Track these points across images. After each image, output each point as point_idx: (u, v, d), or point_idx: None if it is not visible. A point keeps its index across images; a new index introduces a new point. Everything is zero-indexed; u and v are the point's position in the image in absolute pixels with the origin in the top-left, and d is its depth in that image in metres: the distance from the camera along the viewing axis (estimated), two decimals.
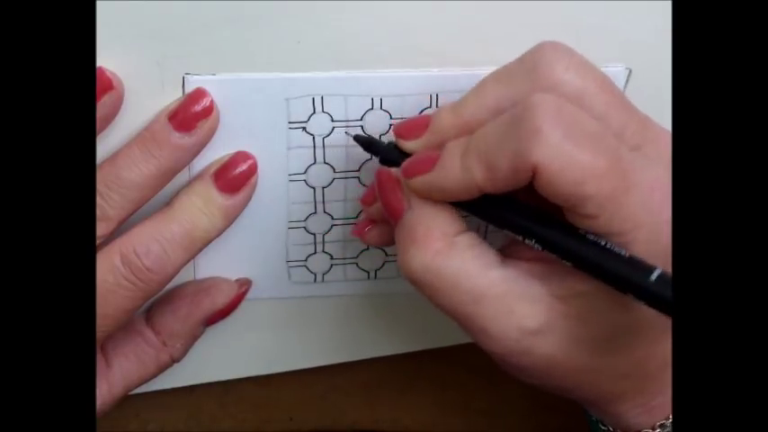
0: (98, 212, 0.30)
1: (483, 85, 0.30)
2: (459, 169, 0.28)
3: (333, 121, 0.33)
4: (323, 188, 0.35)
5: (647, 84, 0.36)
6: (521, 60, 0.29)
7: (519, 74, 0.29)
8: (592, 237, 0.27)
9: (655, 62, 0.36)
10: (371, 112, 0.34)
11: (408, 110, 0.34)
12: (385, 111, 0.34)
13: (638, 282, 0.26)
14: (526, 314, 0.28)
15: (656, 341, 0.30)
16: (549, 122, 0.26)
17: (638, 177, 0.27)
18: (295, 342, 0.39)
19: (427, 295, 0.29)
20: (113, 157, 0.31)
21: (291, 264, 0.37)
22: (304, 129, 0.33)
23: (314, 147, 0.34)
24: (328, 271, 0.37)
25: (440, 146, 0.29)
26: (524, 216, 0.28)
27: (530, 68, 0.29)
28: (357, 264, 0.38)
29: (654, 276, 0.26)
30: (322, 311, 0.39)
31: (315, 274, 0.37)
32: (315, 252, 0.37)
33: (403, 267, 0.29)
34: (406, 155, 0.30)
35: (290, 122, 0.33)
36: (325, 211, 0.35)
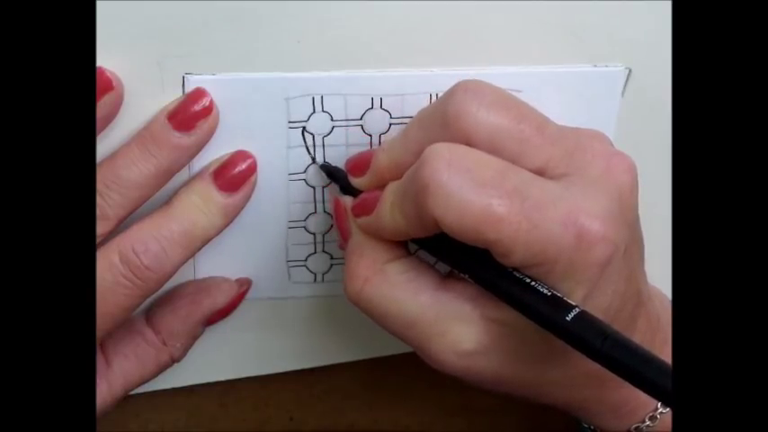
0: (97, 211, 0.30)
1: (408, 128, 0.30)
2: (389, 217, 0.29)
3: (333, 120, 0.34)
4: (323, 188, 0.35)
5: (647, 84, 0.37)
6: (435, 105, 0.30)
7: (432, 119, 0.29)
8: (517, 273, 0.28)
9: (655, 62, 0.36)
10: (371, 111, 0.34)
11: (408, 109, 0.34)
12: (385, 110, 0.34)
13: (553, 321, 0.27)
14: (460, 337, 0.29)
15: None
16: (440, 175, 0.27)
17: (548, 213, 0.27)
18: (295, 342, 0.39)
19: (370, 318, 0.31)
20: (113, 156, 0.31)
21: (291, 264, 0.37)
22: (304, 128, 0.33)
23: (314, 146, 0.34)
24: (328, 271, 0.37)
25: (380, 184, 0.31)
26: (455, 251, 0.29)
27: (441, 114, 0.29)
28: None
29: (570, 316, 0.27)
30: (322, 311, 0.39)
31: (315, 274, 0.37)
32: (315, 252, 0.37)
33: (345, 294, 0.31)
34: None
35: (289, 122, 0.33)
36: (325, 211, 0.35)
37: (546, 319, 0.27)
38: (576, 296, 0.28)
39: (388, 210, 0.30)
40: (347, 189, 0.33)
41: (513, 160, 0.28)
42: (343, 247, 0.33)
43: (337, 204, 0.33)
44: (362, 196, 0.32)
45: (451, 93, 0.29)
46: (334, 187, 0.34)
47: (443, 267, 0.31)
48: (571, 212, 0.27)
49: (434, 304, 0.29)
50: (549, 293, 0.27)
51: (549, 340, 0.28)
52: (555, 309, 0.27)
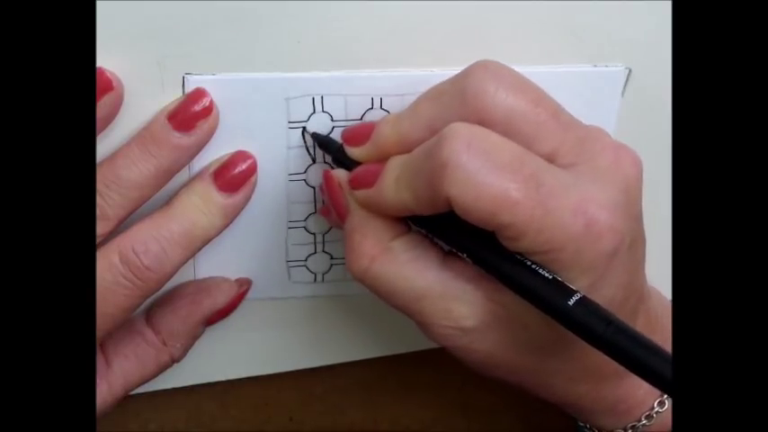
0: (97, 211, 0.30)
1: (418, 103, 0.30)
2: (393, 192, 0.29)
3: (333, 120, 0.34)
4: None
5: (647, 84, 0.37)
6: (452, 82, 0.29)
7: (449, 96, 0.29)
8: (519, 257, 0.28)
9: (655, 62, 0.36)
10: (371, 111, 0.34)
11: None
12: (385, 110, 0.34)
13: (556, 305, 0.27)
14: (463, 314, 0.29)
15: None
16: (459, 156, 0.27)
17: (561, 201, 0.27)
18: (295, 342, 0.39)
19: (375, 295, 0.31)
20: (112, 156, 0.31)
21: (291, 264, 0.37)
22: (304, 128, 0.33)
23: (314, 146, 0.34)
24: (328, 271, 0.37)
25: (381, 157, 0.30)
26: (456, 232, 0.29)
27: (459, 91, 0.29)
28: None
29: (572, 301, 0.27)
30: (322, 311, 0.39)
31: (315, 274, 0.37)
32: (315, 252, 0.37)
33: (348, 271, 0.31)
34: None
35: (289, 122, 0.33)
36: None
37: (547, 304, 0.27)
38: (581, 285, 0.28)
39: (393, 184, 0.29)
40: (340, 162, 0.32)
41: (528, 143, 0.28)
42: (326, 215, 0.33)
43: (329, 178, 0.32)
44: (362, 168, 0.31)
45: (470, 71, 0.29)
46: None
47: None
48: (582, 201, 0.27)
49: (441, 281, 0.30)
50: (551, 277, 0.27)
51: (550, 327, 0.28)
52: (557, 293, 0.27)
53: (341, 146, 0.32)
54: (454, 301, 0.29)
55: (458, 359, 0.31)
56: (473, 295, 0.29)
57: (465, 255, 0.29)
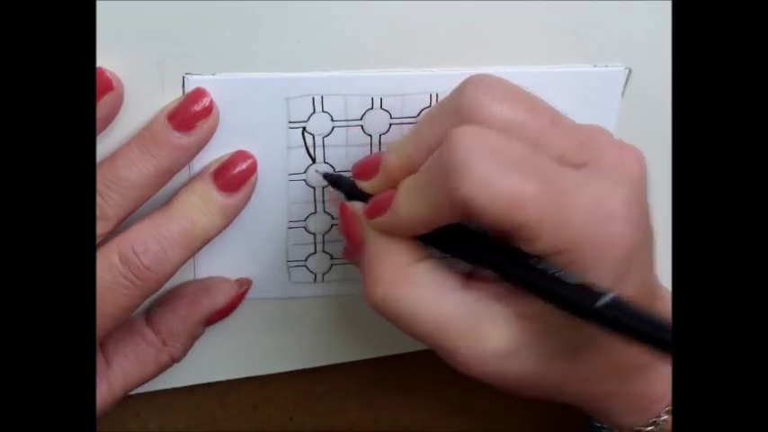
0: (97, 211, 0.30)
1: (419, 126, 0.30)
2: (408, 209, 0.29)
3: (333, 120, 0.34)
4: (323, 188, 0.35)
5: (647, 84, 0.37)
6: (448, 100, 0.29)
7: (447, 114, 0.29)
8: (541, 264, 0.27)
9: (655, 62, 0.36)
10: (371, 111, 0.34)
11: (408, 109, 0.34)
12: (385, 110, 0.34)
13: (585, 308, 0.26)
14: (492, 337, 0.29)
15: None
16: (470, 155, 0.26)
17: (575, 198, 0.27)
18: (295, 342, 0.39)
19: (394, 324, 0.30)
20: (112, 156, 0.31)
21: (291, 264, 0.37)
22: (304, 128, 0.33)
23: (314, 146, 0.34)
24: (328, 271, 0.37)
25: (392, 184, 0.30)
26: (475, 246, 0.29)
27: (455, 108, 0.29)
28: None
29: (601, 303, 0.26)
30: (322, 311, 0.39)
31: (315, 274, 0.37)
32: (315, 252, 0.37)
33: (366, 300, 0.30)
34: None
35: (289, 122, 0.33)
36: (325, 211, 0.35)
37: (580, 308, 0.26)
38: (602, 285, 0.27)
39: (406, 200, 0.29)
40: (353, 195, 0.32)
41: None
42: (350, 253, 0.33)
43: (345, 210, 0.32)
44: (376, 198, 0.31)
45: (463, 87, 0.29)
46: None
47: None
48: (596, 198, 0.27)
49: (464, 304, 0.29)
50: (578, 281, 0.27)
51: (579, 330, 0.28)
52: (587, 296, 0.26)
53: (353, 182, 0.32)
54: (482, 324, 0.29)
55: (489, 386, 0.30)
56: (503, 313, 0.29)
57: (489, 269, 0.29)
